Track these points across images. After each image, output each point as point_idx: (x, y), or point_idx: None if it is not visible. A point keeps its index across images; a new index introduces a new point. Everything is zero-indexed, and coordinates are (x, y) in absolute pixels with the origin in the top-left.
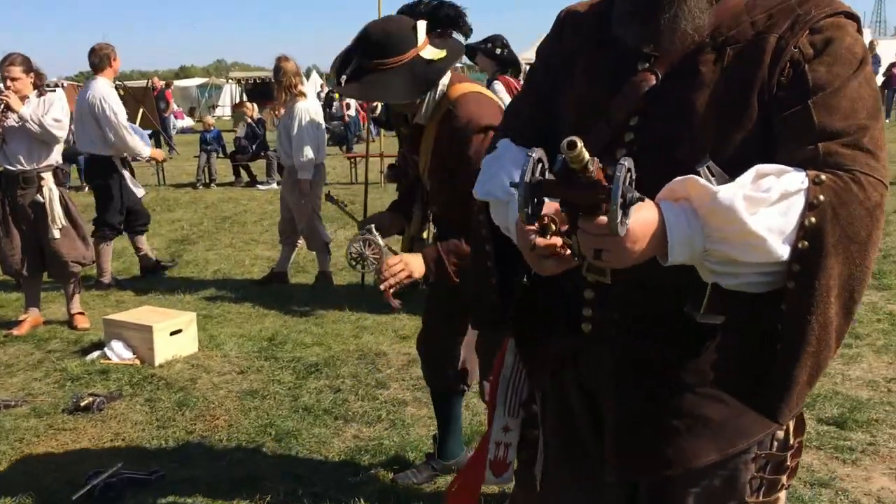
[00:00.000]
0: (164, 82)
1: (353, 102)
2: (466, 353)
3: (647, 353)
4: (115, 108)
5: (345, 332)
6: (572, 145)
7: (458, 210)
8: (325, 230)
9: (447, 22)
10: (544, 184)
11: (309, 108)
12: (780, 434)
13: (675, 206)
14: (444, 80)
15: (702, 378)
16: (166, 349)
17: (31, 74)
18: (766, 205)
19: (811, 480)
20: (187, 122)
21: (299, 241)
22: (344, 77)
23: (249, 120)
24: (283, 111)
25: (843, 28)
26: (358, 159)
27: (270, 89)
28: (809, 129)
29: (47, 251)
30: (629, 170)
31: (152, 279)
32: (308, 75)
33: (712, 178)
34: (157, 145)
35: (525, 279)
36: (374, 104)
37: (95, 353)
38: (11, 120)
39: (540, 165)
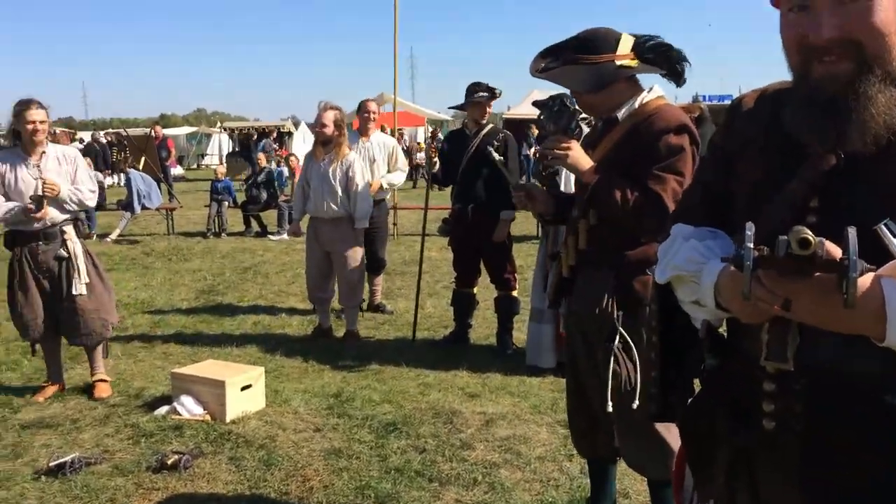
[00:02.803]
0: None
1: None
2: None
3: (839, 447)
4: None
5: (410, 390)
6: (804, 244)
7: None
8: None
9: (665, 64)
10: (772, 260)
11: (357, 158)
12: None
13: None
14: (657, 92)
15: None
16: (237, 405)
17: (47, 122)
18: None
19: None
20: (178, 170)
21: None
22: (545, 63)
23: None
24: (324, 160)
25: None
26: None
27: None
28: None
29: (68, 312)
30: (855, 241)
31: (191, 331)
32: (297, 125)
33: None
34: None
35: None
36: (435, 159)
37: (164, 409)
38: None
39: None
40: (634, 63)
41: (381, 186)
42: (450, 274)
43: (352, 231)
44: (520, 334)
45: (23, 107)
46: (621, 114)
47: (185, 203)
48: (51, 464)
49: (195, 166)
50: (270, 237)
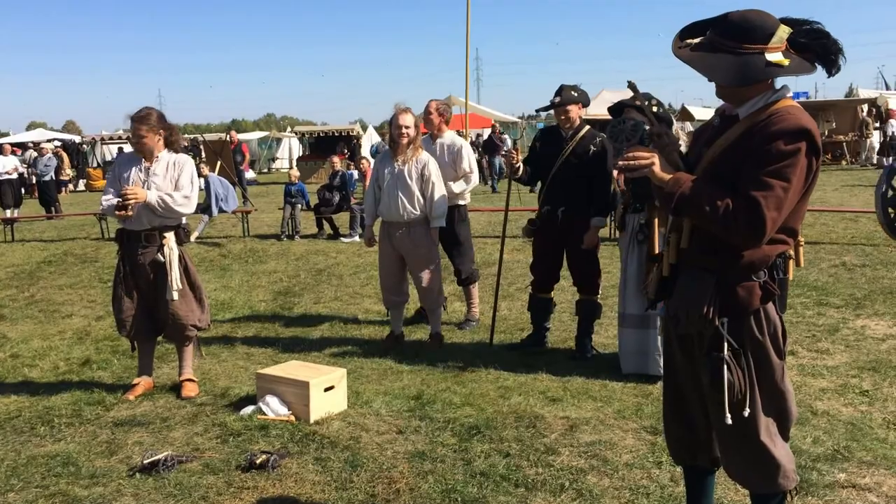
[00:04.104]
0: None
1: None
2: None
3: None
4: None
5: (490, 393)
6: None
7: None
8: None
9: (820, 51)
10: None
11: (431, 158)
12: None
13: None
14: (785, 93)
15: None
16: (321, 406)
17: (161, 131)
18: None
19: None
20: (250, 174)
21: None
22: (687, 42)
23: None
24: (398, 161)
25: None
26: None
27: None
28: None
29: (163, 312)
30: None
31: (270, 332)
32: (365, 129)
33: None
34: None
35: None
36: (518, 164)
37: (250, 408)
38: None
39: None
40: (786, 62)
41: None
42: (522, 276)
43: (427, 233)
44: (598, 337)
45: (131, 121)
46: (743, 111)
47: (259, 206)
48: (145, 461)
49: (266, 170)
50: (342, 239)
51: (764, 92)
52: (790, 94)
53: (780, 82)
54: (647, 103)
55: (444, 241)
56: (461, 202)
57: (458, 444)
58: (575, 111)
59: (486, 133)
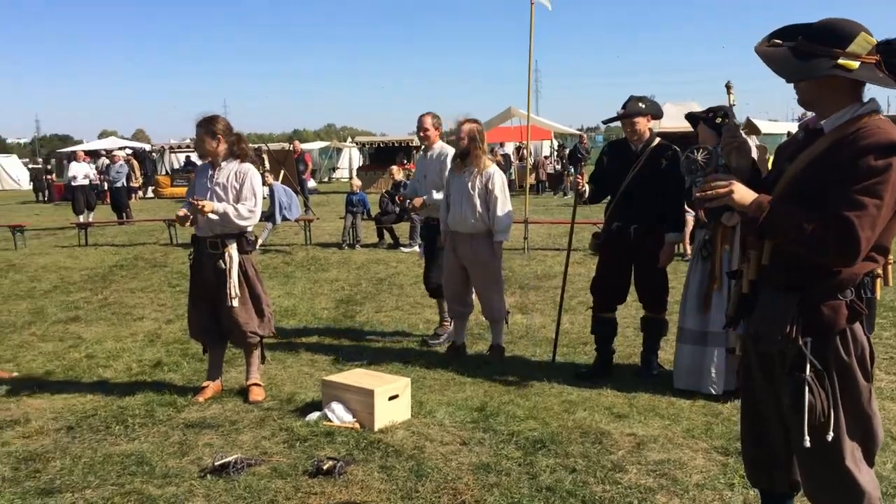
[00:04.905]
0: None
1: None
2: None
3: None
4: None
5: (554, 407)
6: None
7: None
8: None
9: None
10: None
11: (497, 170)
12: None
13: None
14: (873, 106)
15: None
16: (385, 414)
17: (222, 138)
18: None
19: None
20: (311, 183)
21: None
22: (774, 42)
23: (401, 179)
24: (464, 173)
25: None
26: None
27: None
28: None
29: (225, 318)
30: None
31: (333, 340)
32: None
33: None
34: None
35: None
36: (584, 188)
37: (316, 415)
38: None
39: None
40: (855, 65)
41: (424, 203)
42: (584, 290)
43: (489, 245)
44: (664, 353)
45: (196, 126)
46: (828, 124)
47: (320, 215)
48: (215, 463)
49: (327, 179)
50: (402, 249)
51: (851, 105)
52: (878, 108)
53: (867, 95)
54: (711, 115)
55: (430, 251)
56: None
57: (523, 457)
58: (643, 123)
59: (546, 145)
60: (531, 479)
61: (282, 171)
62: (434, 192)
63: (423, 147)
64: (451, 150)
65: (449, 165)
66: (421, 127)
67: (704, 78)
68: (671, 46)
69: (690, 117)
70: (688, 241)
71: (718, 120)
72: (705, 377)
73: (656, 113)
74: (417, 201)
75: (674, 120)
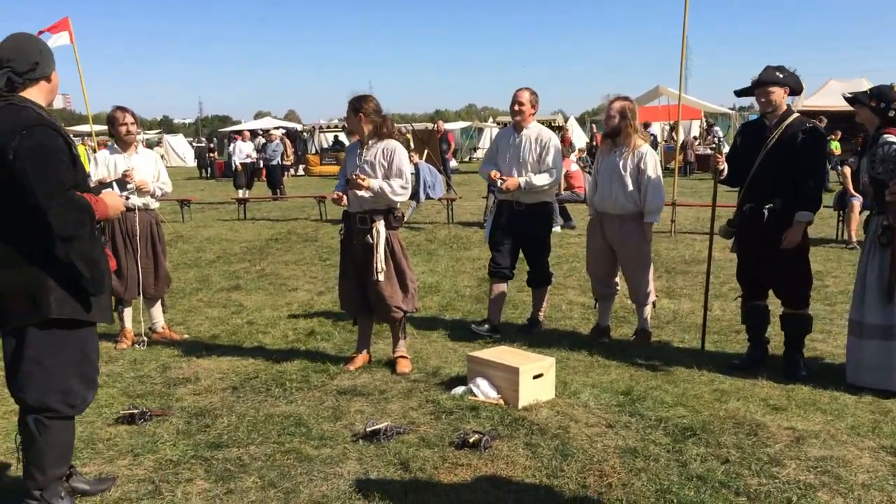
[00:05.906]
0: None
1: None
2: None
3: None
4: None
5: (704, 395)
6: None
7: None
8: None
9: None
10: None
11: (649, 150)
12: None
13: None
14: None
15: None
16: (529, 392)
17: (364, 117)
18: None
19: None
20: (453, 163)
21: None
22: None
23: None
24: (615, 152)
25: None
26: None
27: None
28: None
29: (371, 292)
30: None
31: (476, 316)
32: (566, 120)
33: None
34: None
35: None
36: (722, 166)
37: (461, 389)
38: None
39: None
40: None
41: (520, 186)
42: (734, 274)
43: (639, 227)
44: (825, 346)
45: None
46: None
47: (461, 194)
48: (367, 429)
49: (468, 159)
50: None
51: None
52: None
53: None
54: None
55: (522, 238)
56: (547, 199)
57: (672, 444)
58: (779, 94)
59: (695, 125)
60: (681, 467)
61: (425, 151)
62: (533, 175)
63: (513, 124)
64: (551, 134)
65: (552, 152)
66: (516, 101)
67: (870, 56)
68: (841, 18)
69: (852, 99)
70: (853, 227)
71: (892, 114)
72: (894, 375)
73: (795, 85)
74: (512, 183)
75: (838, 98)
